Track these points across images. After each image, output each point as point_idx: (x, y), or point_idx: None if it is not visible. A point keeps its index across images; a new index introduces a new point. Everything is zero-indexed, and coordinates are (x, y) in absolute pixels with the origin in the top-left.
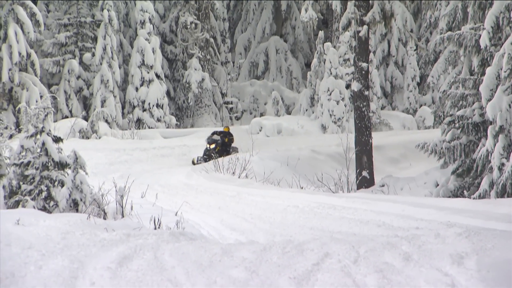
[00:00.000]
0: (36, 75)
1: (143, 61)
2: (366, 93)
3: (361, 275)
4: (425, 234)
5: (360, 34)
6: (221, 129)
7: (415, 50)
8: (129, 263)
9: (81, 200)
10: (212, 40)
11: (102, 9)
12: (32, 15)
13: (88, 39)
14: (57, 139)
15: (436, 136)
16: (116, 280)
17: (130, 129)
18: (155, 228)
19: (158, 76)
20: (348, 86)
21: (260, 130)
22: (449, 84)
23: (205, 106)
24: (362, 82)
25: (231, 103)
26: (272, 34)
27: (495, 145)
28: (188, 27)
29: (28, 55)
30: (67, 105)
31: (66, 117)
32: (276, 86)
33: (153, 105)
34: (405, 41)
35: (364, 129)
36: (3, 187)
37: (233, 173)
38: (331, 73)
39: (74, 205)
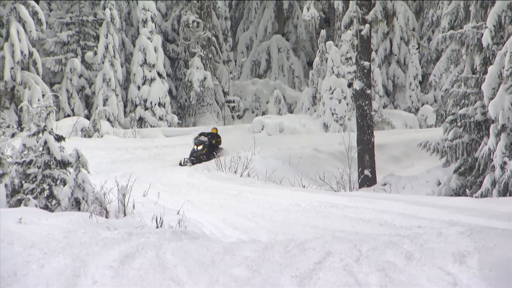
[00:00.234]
0: (38, 74)
1: (145, 59)
2: (368, 91)
3: (363, 273)
4: (427, 233)
5: (362, 33)
6: (209, 130)
7: (417, 48)
8: (131, 262)
9: (83, 198)
10: (214, 38)
11: (104, 8)
12: (34, 14)
13: (90, 38)
14: (59, 138)
15: (438, 135)
16: (118, 278)
17: (132, 127)
18: (157, 227)
19: (160, 75)
20: (350, 85)
21: (262, 129)
22: (451, 82)
23: (207, 104)
24: (364, 81)
25: (233, 101)
26: (274, 32)
27: (497, 143)
28: (190, 25)
29: (30, 54)
30: (69, 104)
31: (68, 115)
32: (278, 84)
33: (155, 104)
34: (407, 40)
35: (366, 128)
36: (5, 185)
37: (235, 171)
38: (333, 72)
39: (76, 204)
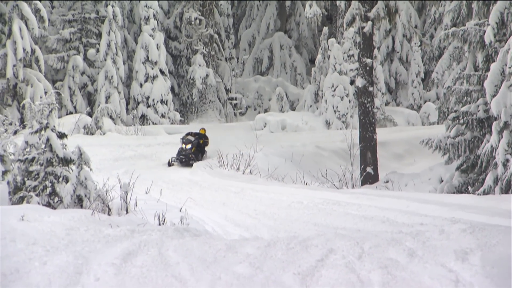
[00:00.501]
0: (40, 71)
1: (148, 57)
2: (371, 89)
3: (365, 271)
4: (430, 230)
5: (365, 30)
6: (196, 130)
7: (419, 46)
8: (134, 259)
9: (85, 196)
10: (216, 36)
11: (107, 5)
12: (36, 11)
13: (93, 35)
14: (61, 135)
15: (441, 132)
16: (121, 276)
17: (135, 125)
18: (160, 224)
19: (162, 72)
20: (352, 82)
21: (265, 126)
22: (453, 80)
23: (210, 102)
24: (367, 78)
25: (236, 99)
26: (276, 30)
27: (499, 141)
28: (193, 23)
29: (33, 51)
30: (72, 101)
31: (71, 113)
32: (281, 82)
33: (158, 101)
34: (410, 37)
35: (368, 125)
36: (8, 183)
37: (237, 169)
38: (335, 69)
39: (79, 201)
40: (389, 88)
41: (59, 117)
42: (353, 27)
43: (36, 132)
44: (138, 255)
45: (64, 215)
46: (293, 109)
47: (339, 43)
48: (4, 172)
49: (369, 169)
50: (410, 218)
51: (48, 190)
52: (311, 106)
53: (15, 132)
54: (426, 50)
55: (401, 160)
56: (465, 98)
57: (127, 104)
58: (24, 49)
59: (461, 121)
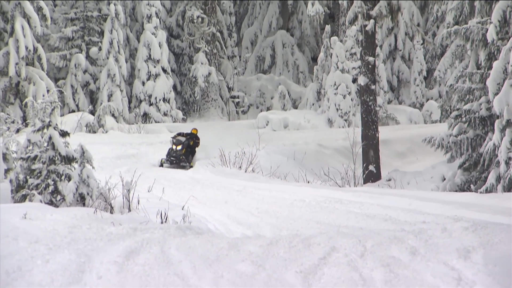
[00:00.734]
0: (43, 69)
1: (150, 55)
2: (373, 87)
3: (367, 269)
4: (432, 228)
5: (367, 28)
6: (188, 130)
7: (421, 44)
8: (136, 257)
9: (88, 194)
10: (218, 34)
11: (109, 3)
12: (39, 10)
13: (95, 33)
14: (64, 133)
15: (443, 130)
16: (123, 274)
17: (137, 123)
18: (162, 222)
19: (164, 71)
20: (354, 80)
21: (267, 124)
22: (456, 78)
23: (212, 100)
24: (369, 76)
25: (238, 97)
26: (278, 28)
27: (502, 139)
28: (195, 21)
29: (35, 49)
30: (74, 99)
31: (73, 111)
32: (283, 80)
33: (160, 99)
34: (412, 35)
35: (370, 123)
36: (10, 181)
37: (240, 167)
38: (337, 67)
39: (81, 199)
40: (392, 86)
41: (62, 115)
42: (355, 25)
43: (38, 130)
44: (141, 253)
45: (66, 213)
46: (295, 107)
47: (341, 41)
48: (7, 170)
49: (371, 167)
50: (412, 216)
51: (51, 188)
52: (313, 104)
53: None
54: (429, 48)
55: (404, 158)
56: (468, 96)
57: (130, 102)
58: (26, 47)
59: (464, 119)
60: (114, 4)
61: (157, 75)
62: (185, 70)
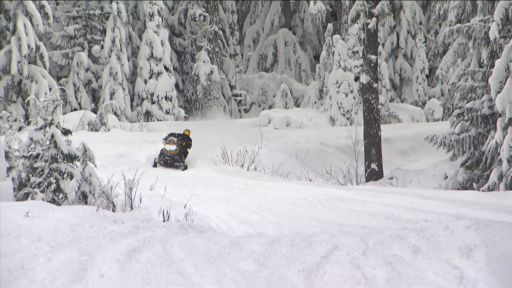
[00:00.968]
0: (45, 68)
1: (152, 53)
2: (375, 85)
3: (370, 267)
4: (434, 227)
5: (369, 27)
6: (179, 131)
7: (424, 42)
8: (138, 256)
9: (90, 192)
10: (220, 32)
11: (111, 2)
12: (41, 8)
13: (97, 32)
14: (66, 132)
15: (445, 129)
16: (125, 272)
17: (139, 121)
18: (164, 221)
19: (167, 69)
20: (357, 79)
21: (269, 123)
22: (458, 76)
23: (214, 98)
24: (371, 75)
25: (240, 95)
26: (280, 26)
27: (504, 137)
28: (197, 19)
29: (37, 48)
30: (76, 98)
31: (75, 109)
32: (285, 78)
33: (162, 98)
34: (414, 33)
35: (373, 122)
36: (13, 179)
37: (242, 165)
38: (340, 66)
39: (83, 198)
40: (394, 85)
41: (64, 113)
42: (357, 23)
43: (40, 128)
44: (143, 252)
45: (68, 211)
46: (297, 105)
47: (343, 39)
48: (9, 169)
49: (373, 166)
50: (414, 215)
51: (53, 186)
52: (315, 102)
53: (20, 129)
54: (431, 46)
55: (406, 156)
56: (470, 94)
57: (132, 100)
58: (28, 46)
59: (466, 117)
60: (116, 2)
61: (159, 73)
62: (187, 68)
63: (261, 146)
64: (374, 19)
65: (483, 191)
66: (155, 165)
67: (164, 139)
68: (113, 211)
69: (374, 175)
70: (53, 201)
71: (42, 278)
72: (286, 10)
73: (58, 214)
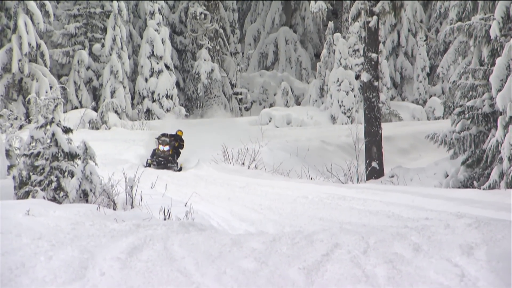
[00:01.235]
0: (46, 66)
1: (153, 51)
2: (376, 83)
3: (370, 265)
4: (435, 225)
5: (370, 25)
6: (171, 131)
7: (424, 40)
8: (139, 254)
9: (91, 190)
10: (221, 30)
11: (112, 0)
12: (41, 6)
13: (98, 30)
14: (67, 130)
15: (446, 127)
16: (126, 270)
17: (140, 119)
18: (165, 219)
19: (167, 67)
20: (357, 77)
21: (270, 121)
22: (459, 74)
23: (215, 97)
24: (372, 73)
25: (241, 93)
26: (281, 24)
27: (505, 135)
28: (198, 17)
29: (38, 46)
30: (77, 96)
31: (76, 107)
32: (286, 76)
33: (163, 96)
34: (415, 32)
35: (373, 120)
36: (13, 177)
37: (243, 164)
38: (340, 64)
39: (84, 196)
40: (395, 83)
41: (65, 112)
42: (358, 21)
43: (41, 126)
44: (144, 250)
45: (69, 209)
46: (298, 103)
47: (344, 37)
48: (10, 167)
49: (374, 164)
50: (415, 213)
51: (54, 184)
52: (316, 100)
53: (21, 127)
54: (432, 44)
55: (407, 154)
56: (471, 92)
57: (133, 98)
58: (29, 44)
59: (467, 115)
60: (117, 1)
61: (160, 72)
62: (188, 66)
63: (261, 144)
64: (375, 17)
65: (484, 189)
66: (148, 166)
67: (157, 139)
68: (114, 209)
69: (374, 173)
70: (54, 200)
71: (43, 276)
72: (287, 8)
73: (59, 212)
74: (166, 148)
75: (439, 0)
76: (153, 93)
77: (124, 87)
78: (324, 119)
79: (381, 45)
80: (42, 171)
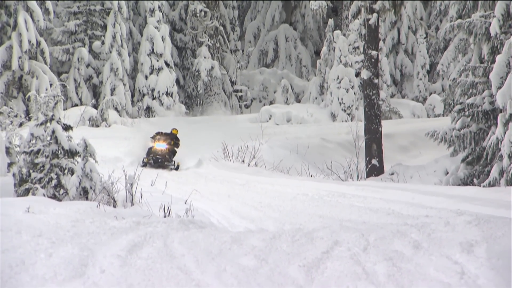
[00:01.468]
0: (46, 63)
1: (153, 49)
2: (376, 81)
3: (370, 263)
4: (435, 222)
5: (370, 22)
6: (166, 130)
7: (425, 38)
8: (139, 251)
9: (91, 188)
10: (221, 28)
11: None
12: (41, 3)
13: (98, 27)
14: (67, 127)
15: (446, 124)
16: (126, 267)
17: (140, 117)
18: (165, 216)
19: (167, 64)
20: (357, 74)
21: (270, 118)
22: (459, 72)
23: (215, 94)
24: (372, 70)
25: (241, 91)
26: (281, 22)
27: (505, 133)
28: (198, 15)
29: (38, 43)
30: (77, 93)
31: (76, 105)
32: (286, 74)
33: (163, 93)
34: (415, 29)
35: (373, 117)
36: (13, 175)
37: (243, 161)
38: (340, 61)
39: (84, 193)
40: (395, 80)
41: (65, 109)
42: (358, 19)
43: (41, 124)
44: (144, 247)
45: (69, 207)
46: (298, 101)
47: (344, 35)
48: (10, 164)
49: (374, 161)
50: (415, 210)
51: (54, 182)
52: (316, 98)
53: (21, 124)
54: (432, 42)
55: (407, 152)
56: (471, 90)
57: (133, 96)
58: (29, 41)
59: (467, 113)
60: None
61: (160, 69)
62: (188, 64)
63: (261, 142)
64: (375, 14)
65: (484, 186)
66: (144, 165)
67: (152, 137)
68: (114, 206)
69: (375, 170)
70: (54, 197)
71: (43, 273)
72: (287, 5)
73: (59, 209)
74: (163, 146)
75: None
76: (153, 90)
77: (124, 85)
78: (324, 117)
79: (381, 43)
80: (42, 168)
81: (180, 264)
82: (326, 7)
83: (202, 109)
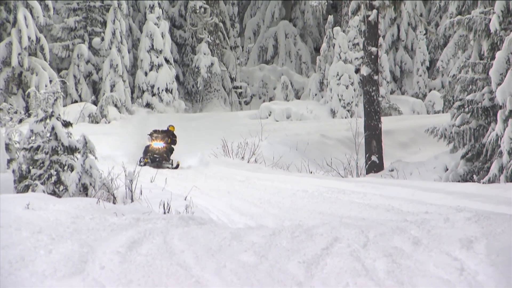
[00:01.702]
0: (45, 60)
1: (152, 45)
2: (376, 77)
3: (370, 259)
4: (435, 219)
5: (370, 19)
6: (163, 127)
7: (424, 34)
8: (139, 248)
9: (90, 184)
10: (221, 24)
11: None
12: (41, 0)
13: (97, 24)
14: (66, 124)
15: (446, 121)
16: (126, 264)
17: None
18: (165, 213)
19: (167, 61)
20: (357, 71)
21: (269, 115)
22: (458, 68)
23: (214, 90)
24: (372, 67)
25: (240, 87)
26: (281, 18)
27: (504, 129)
28: (197, 11)
29: (38, 40)
30: (77, 90)
31: (76, 101)
32: (285, 70)
33: (162, 90)
34: (415, 26)
35: (373, 114)
36: (13, 171)
37: (242, 158)
38: (340, 58)
39: (84, 190)
40: (394, 77)
41: (64, 105)
42: (358, 15)
43: (41, 120)
44: (143, 244)
45: (69, 203)
46: (298, 97)
47: (344, 31)
48: (9, 161)
49: (374, 158)
50: (415, 207)
51: (53, 178)
52: (316, 94)
53: (20, 121)
54: (431, 38)
55: (406, 148)
56: (470, 86)
57: (132, 92)
58: (29, 38)
59: (466, 109)
60: None
61: (159, 66)
62: (188, 60)
63: (261, 138)
64: (374, 11)
65: (483, 183)
66: (144, 165)
67: (150, 135)
68: (114, 203)
69: (374, 167)
70: (53, 193)
71: (43, 270)
72: (287, 2)
73: (59, 206)
74: (161, 144)
75: None
76: (152, 87)
77: (124, 81)
78: (323, 113)
79: (380, 39)
80: (41, 165)
81: (180, 260)
82: (326, 3)
83: (202, 105)
